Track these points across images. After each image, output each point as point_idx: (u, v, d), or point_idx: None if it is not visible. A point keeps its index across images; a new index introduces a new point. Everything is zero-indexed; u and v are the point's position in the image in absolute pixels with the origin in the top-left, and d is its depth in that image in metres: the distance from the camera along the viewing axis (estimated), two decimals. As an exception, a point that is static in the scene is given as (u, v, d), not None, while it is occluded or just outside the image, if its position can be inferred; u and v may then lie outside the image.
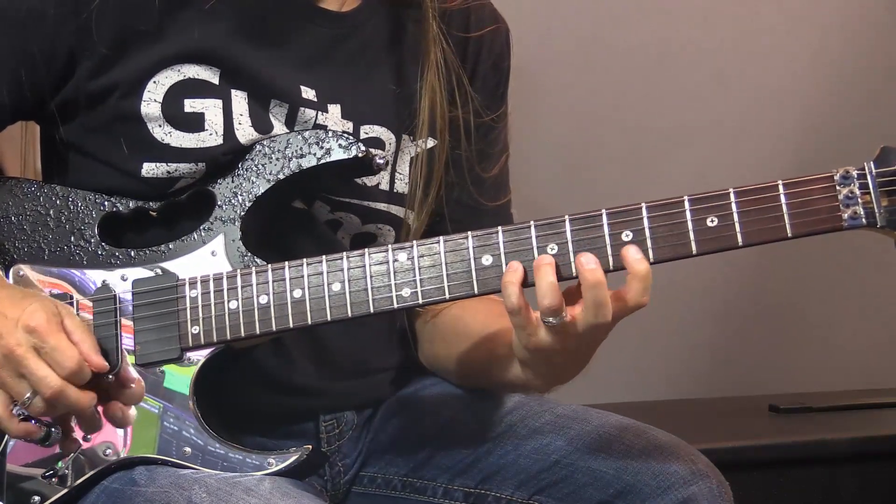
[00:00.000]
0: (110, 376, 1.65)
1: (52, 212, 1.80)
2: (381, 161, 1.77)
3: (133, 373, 1.68)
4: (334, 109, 1.84)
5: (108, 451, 1.71)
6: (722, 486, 1.78)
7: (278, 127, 1.81)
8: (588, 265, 1.58)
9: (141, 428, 1.71)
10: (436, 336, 1.99)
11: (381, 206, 1.89)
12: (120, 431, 1.71)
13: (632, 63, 3.46)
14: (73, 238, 1.78)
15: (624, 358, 3.28)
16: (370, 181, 1.87)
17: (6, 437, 1.73)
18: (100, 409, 1.63)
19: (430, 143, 1.91)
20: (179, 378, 1.71)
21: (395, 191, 1.90)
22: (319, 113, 1.83)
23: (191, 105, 1.78)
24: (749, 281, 3.55)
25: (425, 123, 1.89)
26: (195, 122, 1.78)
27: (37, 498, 1.72)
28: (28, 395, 1.57)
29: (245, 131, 1.79)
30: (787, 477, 2.90)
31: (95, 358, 1.60)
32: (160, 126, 1.77)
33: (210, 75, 1.79)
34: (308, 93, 1.82)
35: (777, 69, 3.58)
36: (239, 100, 1.79)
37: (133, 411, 1.68)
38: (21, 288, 1.74)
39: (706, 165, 3.42)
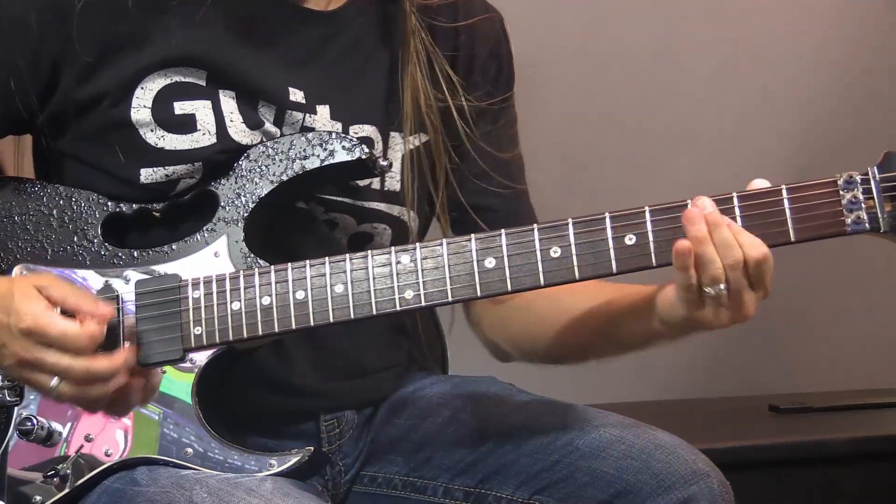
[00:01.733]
0: None
1: (55, 212, 1.80)
2: (385, 163, 1.78)
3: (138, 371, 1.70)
4: (323, 110, 1.84)
5: (110, 453, 1.72)
6: (722, 486, 1.77)
7: (269, 125, 1.81)
8: (705, 209, 1.59)
9: (142, 428, 1.72)
10: (523, 317, 1.97)
11: (375, 205, 1.89)
12: (121, 431, 1.72)
13: (634, 64, 3.46)
14: (76, 238, 1.78)
15: (624, 358, 3.28)
16: (363, 181, 1.87)
17: (7, 437, 1.74)
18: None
19: (423, 138, 1.91)
20: (182, 378, 1.72)
21: (386, 189, 1.89)
22: (307, 115, 1.83)
23: (181, 107, 1.78)
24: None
25: (410, 117, 1.88)
26: (187, 124, 1.78)
27: (38, 498, 1.72)
28: (53, 382, 1.58)
29: (238, 128, 1.79)
30: (787, 477, 2.89)
31: (99, 311, 1.61)
32: (152, 131, 1.78)
33: (197, 78, 1.79)
34: (296, 94, 1.82)
35: (778, 70, 3.58)
36: (227, 100, 1.80)
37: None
38: None
39: (708, 166, 3.42)
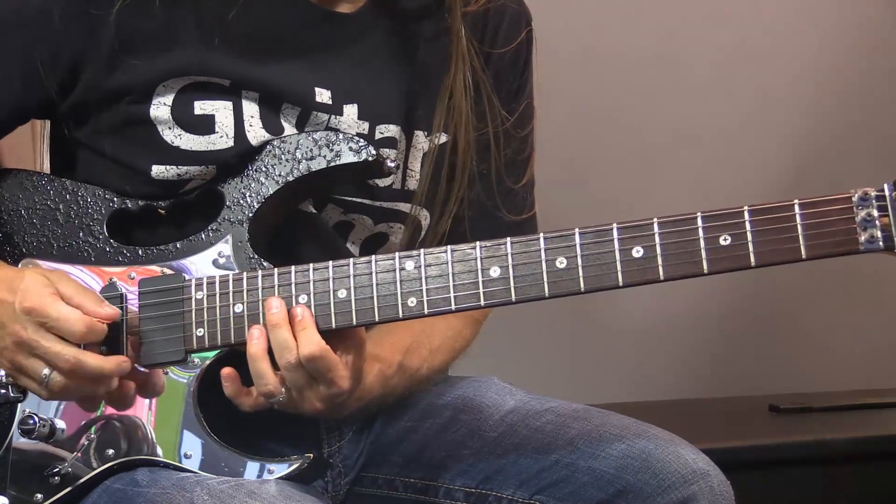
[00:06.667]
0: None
1: (61, 206, 1.80)
2: (392, 164, 1.76)
3: (138, 370, 1.69)
4: (350, 110, 1.83)
5: (111, 453, 1.72)
6: (723, 485, 1.77)
7: (289, 129, 1.80)
8: (271, 309, 1.64)
9: (139, 428, 1.73)
10: None
11: (394, 204, 1.88)
12: (121, 431, 1.73)
13: (635, 68, 3.47)
14: (81, 234, 1.78)
15: (624, 358, 3.30)
16: (382, 181, 1.86)
17: (10, 435, 1.75)
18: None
19: (443, 138, 1.90)
20: (183, 380, 1.71)
21: (406, 188, 1.89)
22: (333, 116, 1.82)
23: (201, 107, 1.77)
24: (749, 281, 3.54)
25: (440, 116, 1.88)
26: (205, 125, 1.77)
27: (39, 496, 1.72)
28: (45, 371, 1.59)
29: (256, 133, 1.78)
30: (787, 477, 2.90)
31: (102, 310, 1.63)
32: (170, 129, 1.77)
33: (220, 79, 1.78)
34: (323, 94, 1.81)
35: (780, 72, 3.59)
36: (250, 102, 1.79)
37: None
38: (10, 267, 1.75)
39: (710, 167, 3.42)
